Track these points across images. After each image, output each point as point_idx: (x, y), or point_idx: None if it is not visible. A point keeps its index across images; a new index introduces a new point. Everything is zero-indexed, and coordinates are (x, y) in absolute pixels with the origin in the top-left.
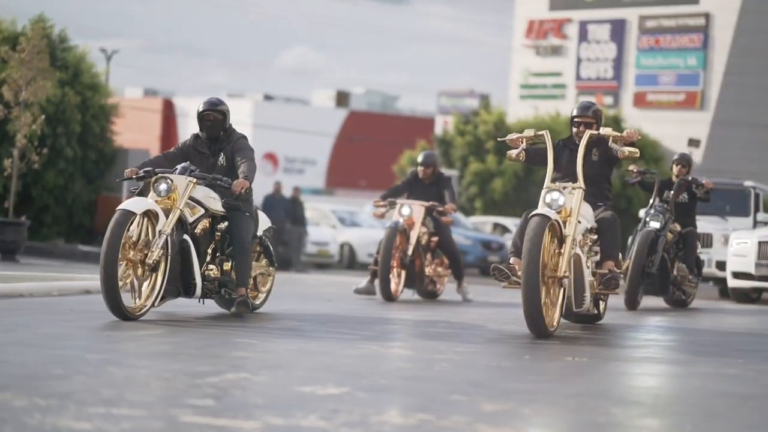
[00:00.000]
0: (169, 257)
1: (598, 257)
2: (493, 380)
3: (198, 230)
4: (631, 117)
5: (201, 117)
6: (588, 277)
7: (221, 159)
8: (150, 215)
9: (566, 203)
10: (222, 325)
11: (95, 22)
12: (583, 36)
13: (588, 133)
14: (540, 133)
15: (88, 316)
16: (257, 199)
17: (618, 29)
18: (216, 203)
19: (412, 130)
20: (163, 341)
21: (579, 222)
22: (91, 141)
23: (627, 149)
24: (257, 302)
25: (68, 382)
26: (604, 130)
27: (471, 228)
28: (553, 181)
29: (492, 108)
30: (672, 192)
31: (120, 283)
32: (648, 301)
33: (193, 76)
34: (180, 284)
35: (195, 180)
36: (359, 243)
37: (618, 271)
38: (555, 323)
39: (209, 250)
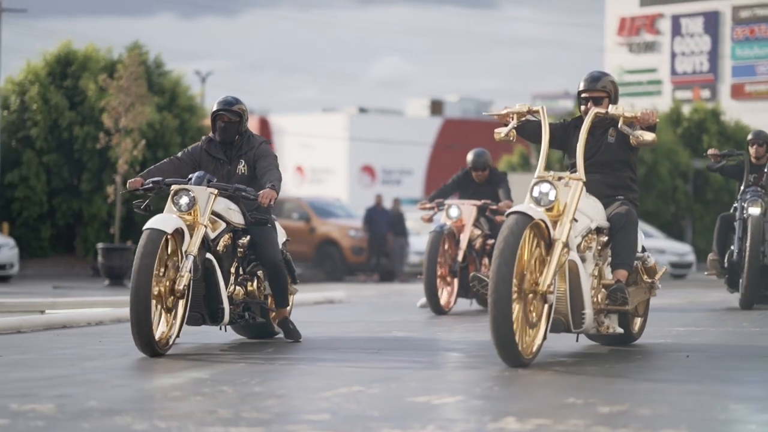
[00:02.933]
0: (191, 281)
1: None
2: (605, 382)
3: (220, 247)
4: (729, 109)
5: (214, 118)
6: (588, 290)
7: (241, 166)
8: (173, 235)
9: (559, 198)
10: (317, 343)
11: (189, 45)
12: (676, 30)
13: (594, 110)
14: (535, 109)
15: (198, 336)
16: (359, 211)
17: (711, 21)
18: (237, 216)
19: None
20: (268, 358)
21: (575, 221)
22: None
23: (642, 134)
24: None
25: (185, 404)
26: (615, 109)
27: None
28: (568, 168)
29: None
30: (754, 176)
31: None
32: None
33: (286, 92)
34: (205, 310)
35: (216, 191)
36: None
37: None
38: (534, 348)
39: (232, 269)
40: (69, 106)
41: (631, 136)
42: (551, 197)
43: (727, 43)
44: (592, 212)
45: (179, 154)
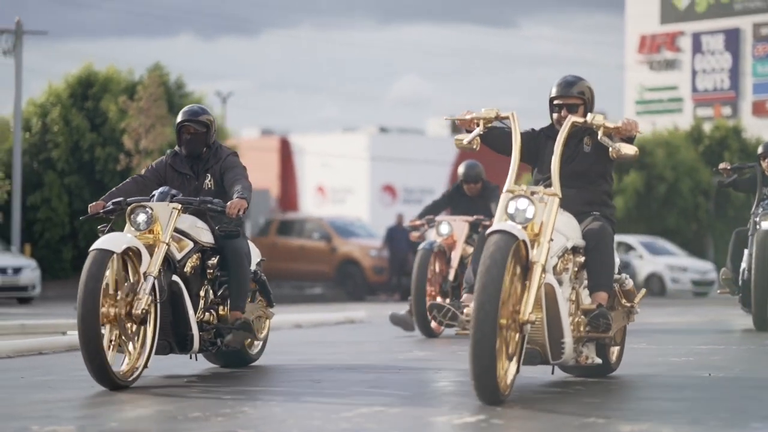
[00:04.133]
0: (158, 305)
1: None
2: (628, 400)
3: (187, 269)
4: (751, 126)
5: (179, 130)
6: (566, 317)
7: (208, 181)
8: (129, 255)
9: (536, 215)
10: (332, 359)
11: (209, 66)
12: (696, 47)
13: (570, 119)
14: (504, 115)
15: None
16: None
17: (732, 39)
18: (205, 234)
19: None
20: (286, 380)
21: (552, 240)
22: None
23: (623, 146)
24: (253, 352)
25: (207, 424)
26: (594, 118)
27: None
28: (537, 183)
29: None
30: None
31: (109, 350)
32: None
33: (306, 112)
34: (172, 337)
35: (179, 206)
36: None
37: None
38: (508, 381)
39: (202, 293)
40: (90, 127)
41: (610, 149)
42: (528, 215)
43: (748, 60)
44: (568, 230)
45: (143, 172)
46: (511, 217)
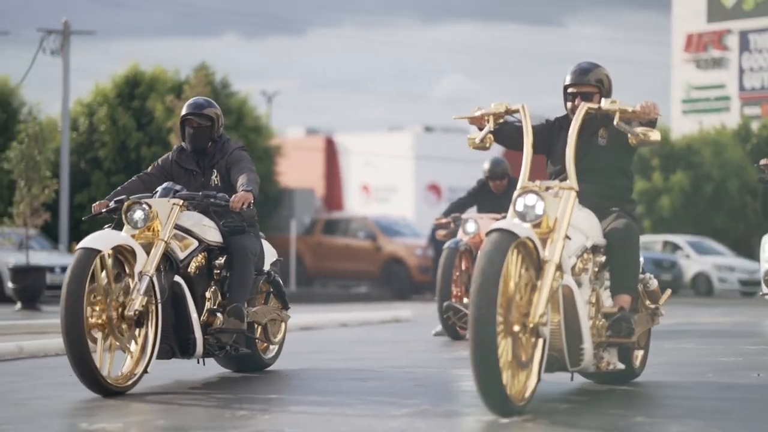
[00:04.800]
0: (159, 306)
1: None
2: (676, 400)
3: (192, 269)
4: None
5: (183, 123)
6: (586, 320)
7: (214, 177)
8: (123, 254)
9: (548, 211)
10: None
11: (254, 65)
12: (744, 46)
13: (584, 106)
14: (514, 108)
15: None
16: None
17: None
18: (212, 232)
19: None
20: (333, 378)
21: (569, 238)
22: None
23: (642, 130)
24: (268, 356)
25: (254, 421)
26: (610, 103)
27: (641, 247)
28: (551, 177)
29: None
30: None
31: (105, 353)
32: None
33: (351, 112)
34: (174, 341)
35: (181, 202)
36: None
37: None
38: (527, 393)
39: (208, 294)
40: (137, 126)
41: (629, 135)
42: (538, 211)
43: None
44: (587, 227)
45: (149, 169)
46: (521, 215)
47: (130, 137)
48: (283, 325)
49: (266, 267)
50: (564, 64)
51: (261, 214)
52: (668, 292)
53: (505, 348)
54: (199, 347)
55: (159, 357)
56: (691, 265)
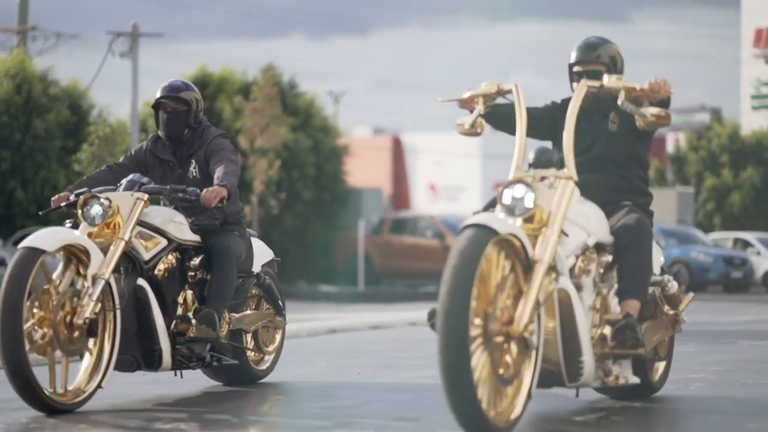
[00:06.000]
0: (117, 312)
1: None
2: (752, 397)
3: (159, 271)
4: None
5: (156, 108)
6: (586, 329)
7: (193, 168)
8: (76, 254)
9: (540, 204)
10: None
11: (321, 65)
12: None
13: (584, 84)
14: (507, 88)
15: (333, 355)
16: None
17: None
18: (184, 230)
19: None
20: (408, 376)
21: (565, 234)
22: (324, 183)
23: (651, 111)
24: (261, 367)
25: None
26: (614, 80)
27: (711, 244)
28: (558, 166)
29: (725, 120)
30: None
31: (51, 364)
32: None
33: (418, 111)
34: (138, 352)
35: (146, 197)
36: None
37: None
38: (513, 414)
39: (181, 299)
40: None
41: (636, 116)
42: (528, 204)
43: None
44: (590, 223)
45: (121, 159)
46: (508, 209)
47: None
48: (278, 332)
49: (256, 268)
50: (631, 60)
51: (329, 215)
52: (690, 295)
53: (483, 361)
54: (166, 358)
55: (121, 369)
56: (762, 262)
